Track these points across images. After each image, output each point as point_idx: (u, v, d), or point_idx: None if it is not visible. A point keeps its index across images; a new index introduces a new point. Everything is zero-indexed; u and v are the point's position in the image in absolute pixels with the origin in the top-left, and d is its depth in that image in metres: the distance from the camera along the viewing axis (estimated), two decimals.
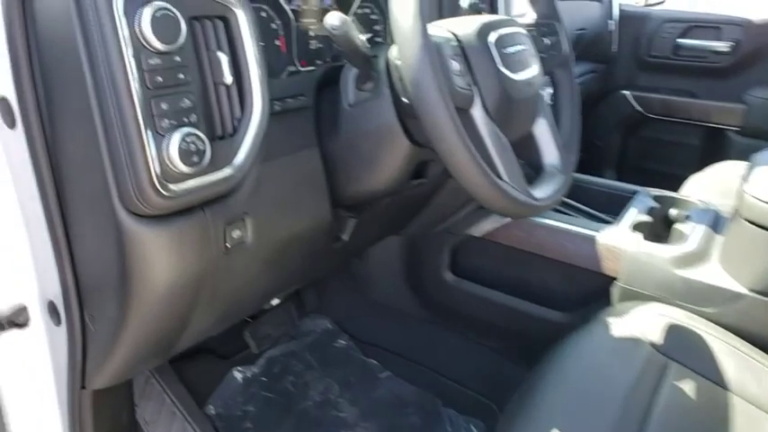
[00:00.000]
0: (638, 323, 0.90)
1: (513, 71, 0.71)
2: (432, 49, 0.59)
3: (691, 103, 1.98)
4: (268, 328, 1.26)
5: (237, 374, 1.25)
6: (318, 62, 0.83)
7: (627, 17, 2.04)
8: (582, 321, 0.95)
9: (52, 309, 0.69)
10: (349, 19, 0.65)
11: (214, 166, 0.58)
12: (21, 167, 0.61)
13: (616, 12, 2.02)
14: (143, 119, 0.52)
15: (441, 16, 0.99)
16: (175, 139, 0.53)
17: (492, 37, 0.70)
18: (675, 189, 1.47)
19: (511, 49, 0.72)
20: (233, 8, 0.60)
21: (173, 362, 1.10)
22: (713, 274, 0.97)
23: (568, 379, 0.81)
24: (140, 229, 0.56)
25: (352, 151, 0.78)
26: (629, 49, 2.05)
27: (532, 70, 0.75)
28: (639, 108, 2.07)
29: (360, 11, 0.91)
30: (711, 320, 0.93)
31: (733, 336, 0.90)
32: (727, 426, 0.75)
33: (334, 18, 0.64)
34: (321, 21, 0.84)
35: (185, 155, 0.54)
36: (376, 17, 0.95)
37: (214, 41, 0.59)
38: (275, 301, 1.22)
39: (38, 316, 0.72)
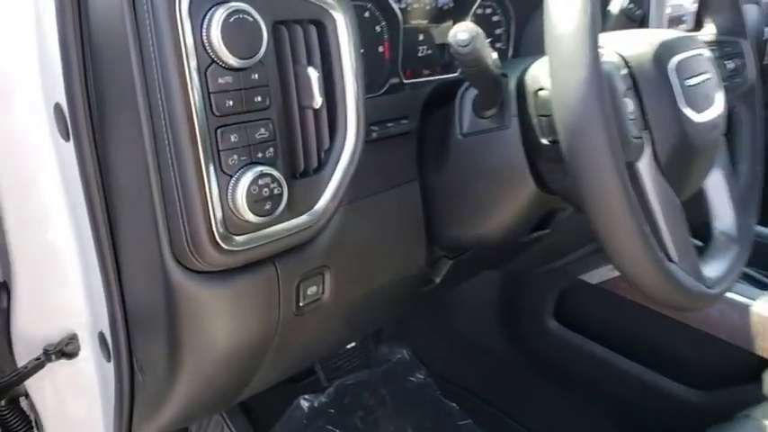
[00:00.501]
0: None
1: (696, 110, 0.55)
2: (603, 84, 0.44)
3: None
4: (341, 359, 1.18)
5: (304, 403, 1.17)
6: (426, 72, 0.73)
7: None
8: (721, 408, 0.80)
9: (103, 341, 0.62)
10: (482, 32, 0.52)
11: (291, 211, 0.47)
12: (73, 185, 0.54)
13: None
14: (205, 154, 0.41)
15: None
16: (245, 182, 0.42)
17: (673, 63, 0.54)
18: None
19: (694, 80, 0.55)
20: (330, 11, 0.49)
21: None
22: None
23: None
24: (194, 286, 0.46)
25: (461, 190, 0.66)
26: None
27: (717, 107, 0.58)
28: None
29: (480, 11, 0.79)
30: None
31: None
32: None
33: (463, 31, 0.51)
34: (432, 22, 0.74)
35: (255, 201, 0.43)
36: (498, 18, 0.82)
37: (304, 53, 0.48)
38: (352, 344, 1.12)
39: (88, 347, 0.66)
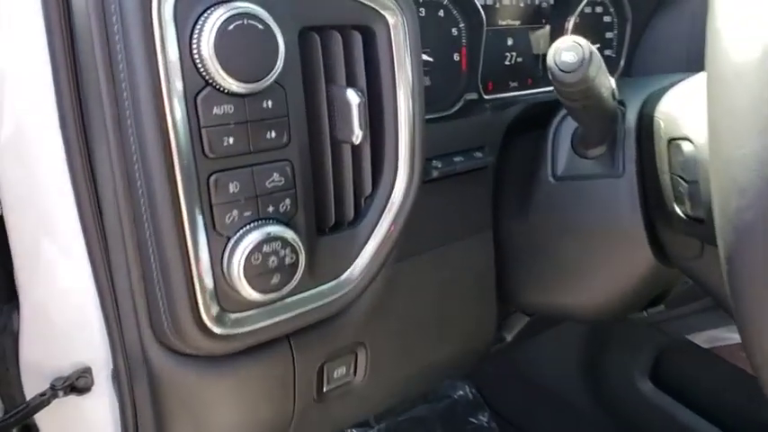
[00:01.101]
0: None
1: None
2: None
3: None
4: None
5: None
6: (514, 85, 0.62)
7: None
8: None
9: (116, 376, 0.55)
10: (596, 52, 0.40)
11: (313, 277, 0.37)
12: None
13: None
14: (190, 208, 0.31)
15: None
16: (245, 246, 0.32)
17: None
18: None
19: None
20: (384, 11, 0.38)
21: None
22: None
23: None
24: (180, 372, 0.37)
25: (548, 248, 0.56)
26: None
27: None
28: None
29: (588, 9, 0.67)
30: None
31: None
32: None
33: (569, 49, 0.39)
34: (526, 23, 0.63)
35: (258, 275, 0.33)
36: (610, 19, 0.70)
37: (343, 70, 0.38)
38: None
39: (102, 383, 0.59)
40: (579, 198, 0.53)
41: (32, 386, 0.54)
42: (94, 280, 0.45)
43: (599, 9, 0.69)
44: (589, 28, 0.68)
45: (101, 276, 0.43)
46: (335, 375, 0.44)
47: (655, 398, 0.98)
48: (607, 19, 0.70)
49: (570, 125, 0.52)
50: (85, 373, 0.61)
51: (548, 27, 0.65)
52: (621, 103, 0.48)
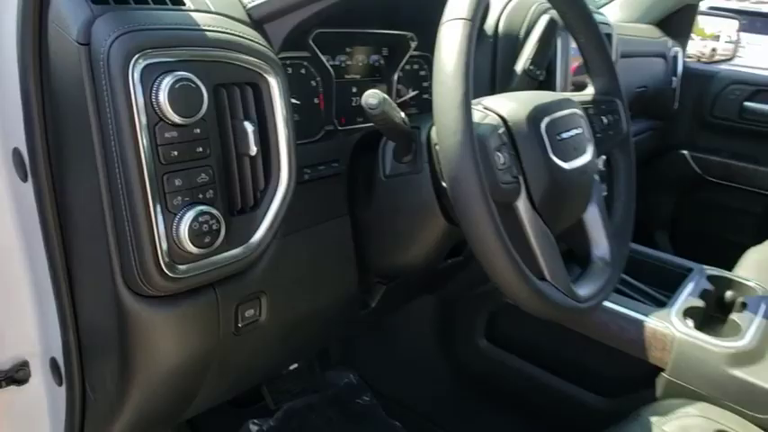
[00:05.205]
0: (683, 425, 0.82)
1: (565, 159, 0.66)
2: (474, 145, 0.54)
3: (754, 170, 1.85)
4: (288, 383, 1.22)
5: (253, 427, 1.20)
6: (359, 119, 0.80)
7: (691, 75, 1.95)
8: (622, 411, 0.88)
9: (54, 366, 0.66)
10: (388, 98, 0.61)
11: (229, 244, 0.55)
12: (30, 222, 0.59)
13: (680, 69, 1.93)
14: (152, 196, 0.49)
15: (493, 83, 0.95)
16: (187, 219, 0.50)
17: (544, 123, 0.65)
18: (732, 258, 1.39)
19: (564, 135, 0.67)
20: (265, 75, 0.57)
21: None
22: None
23: None
24: (143, 310, 0.53)
25: (385, 225, 0.74)
26: (691, 108, 1.95)
27: (586, 156, 0.69)
28: (698, 169, 1.96)
29: (408, 67, 0.87)
30: (765, 429, 0.83)
31: None
32: None
33: (372, 97, 0.60)
34: (365, 77, 0.82)
35: (196, 236, 0.51)
36: (425, 73, 0.91)
37: (241, 110, 0.56)
38: (294, 366, 1.18)
39: (39, 373, 0.69)
40: (400, 188, 0.70)
41: None
42: (50, 268, 0.58)
43: (416, 66, 0.89)
44: (410, 79, 0.88)
45: (57, 264, 0.57)
46: (246, 315, 0.61)
47: (490, 351, 1.18)
48: (423, 72, 0.90)
49: (392, 143, 0.71)
50: (23, 365, 0.71)
51: (381, 80, 0.84)
52: (418, 128, 0.69)
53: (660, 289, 1.13)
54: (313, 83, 0.73)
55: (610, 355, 1.03)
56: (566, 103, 0.69)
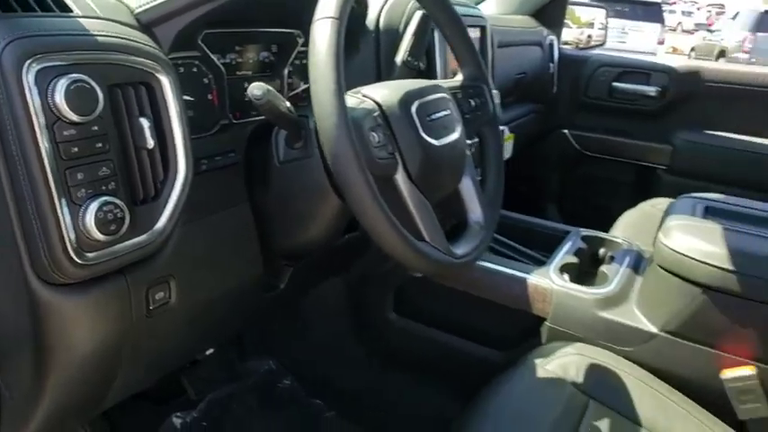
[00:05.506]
0: (562, 363, 0.95)
1: (435, 138, 0.74)
2: (348, 126, 0.61)
3: (624, 143, 2.09)
4: (207, 372, 1.25)
5: (176, 420, 1.22)
6: (254, 113, 0.83)
7: (566, 61, 2.15)
8: (514, 361, 0.99)
9: None
10: (272, 89, 0.67)
11: (134, 231, 0.59)
12: None
13: (556, 55, 2.12)
14: (57, 190, 0.52)
15: (379, 74, 1.03)
16: (92, 209, 0.54)
17: (414, 106, 0.73)
18: (611, 221, 1.57)
19: (434, 116, 0.75)
20: (156, 74, 0.61)
21: (104, 411, 1.07)
22: (631, 315, 1.02)
23: (493, 420, 0.84)
24: (56, 298, 0.56)
25: (283, 207, 0.79)
26: (568, 91, 2.15)
27: (455, 134, 0.79)
28: (578, 146, 2.16)
29: (298, 62, 0.92)
30: (630, 359, 0.98)
31: (647, 373, 0.96)
32: None
33: (256, 89, 0.65)
34: (257, 72, 0.87)
35: (102, 224, 0.54)
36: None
37: (136, 107, 0.60)
38: (210, 351, 1.21)
39: None
40: (294, 173, 0.75)
41: None
42: None
43: (305, 60, 0.86)
44: (301, 73, 0.93)
45: None
46: (157, 297, 0.65)
47: (398, 322, 1.26)
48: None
49: (284, 132, 0.76)
50: None
51: (273, 75, 0.89)
52: (306, 116, 0.74)
53: (542, 251, 1.27)
54: (205, 80, 0.77)
55: (502, 313, 1.15)
56: (434, 89, 0.79)
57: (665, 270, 0.97)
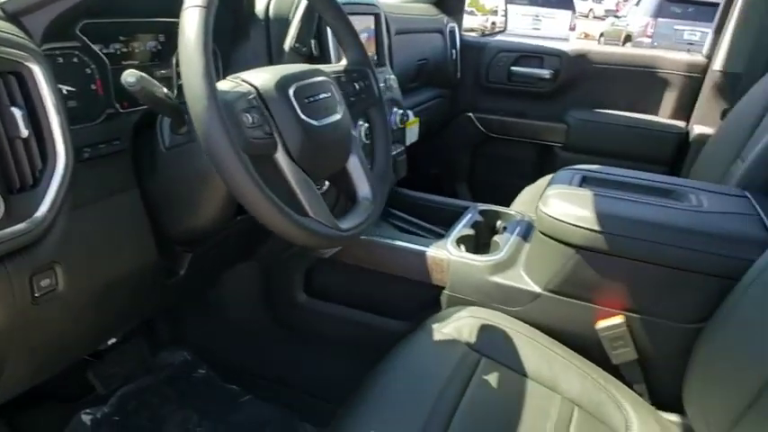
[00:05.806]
0: (457, 326, 1.02)
1: (315, 119, 0.77)
2: (218, 108, 0.63)
3: (524, 124, 2.22)
4: (115, 365, 1.23)
5: (85, 417, 1.20)
6: (142, 102, 0.83)
7: (467, 47, 2.24)
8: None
9: None
10: (146, 75, 0.68)
11: (11, 219, 0.59)
12: None
13: (458, 42, 2.21)
14: None
15: (270, 61, 1.05)
16: None
17: (292, 89, 0.76)
18: (514, 197, 1.67)
19: (313, 98, 0.78)
20: (26, 63, 0.61)
21: (4, 412, 1.05)
22: (518, 278, 1.11)
23: (393, 378, 0.90)
24: None
25: (172, 193, 0.81)
26: (471, 76, 2.25)
27: (337, 115, 0.82)
28: (482, 128, 2.28)
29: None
30: (518, 318, 1.07)
31: (534, 330, 1.05)
32: (523, 405, 0.88)
33: (129, 76, 0.67)
34: (145, 61, 0.87)
35: None
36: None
37: (6, 96, 0.60)
38: (113, 340, 1.20)
39: None
40: (180, 158, 0.77)
41: None
42: None
43: None
44: None
45: None
46: (42, 284, 0.65)
47: (308, 303, 1.30)
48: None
49: (168, 119, 0.77)
50: None
51: (161, 64, 0.89)
52: (183, 103, 0.73)
53: (443, 226, 1.35)
54: (88, 70, 0.77)
55: (405, 286, 1.22)
56: (314, 73, 0.83)
57: (545, 235, 1.06)
